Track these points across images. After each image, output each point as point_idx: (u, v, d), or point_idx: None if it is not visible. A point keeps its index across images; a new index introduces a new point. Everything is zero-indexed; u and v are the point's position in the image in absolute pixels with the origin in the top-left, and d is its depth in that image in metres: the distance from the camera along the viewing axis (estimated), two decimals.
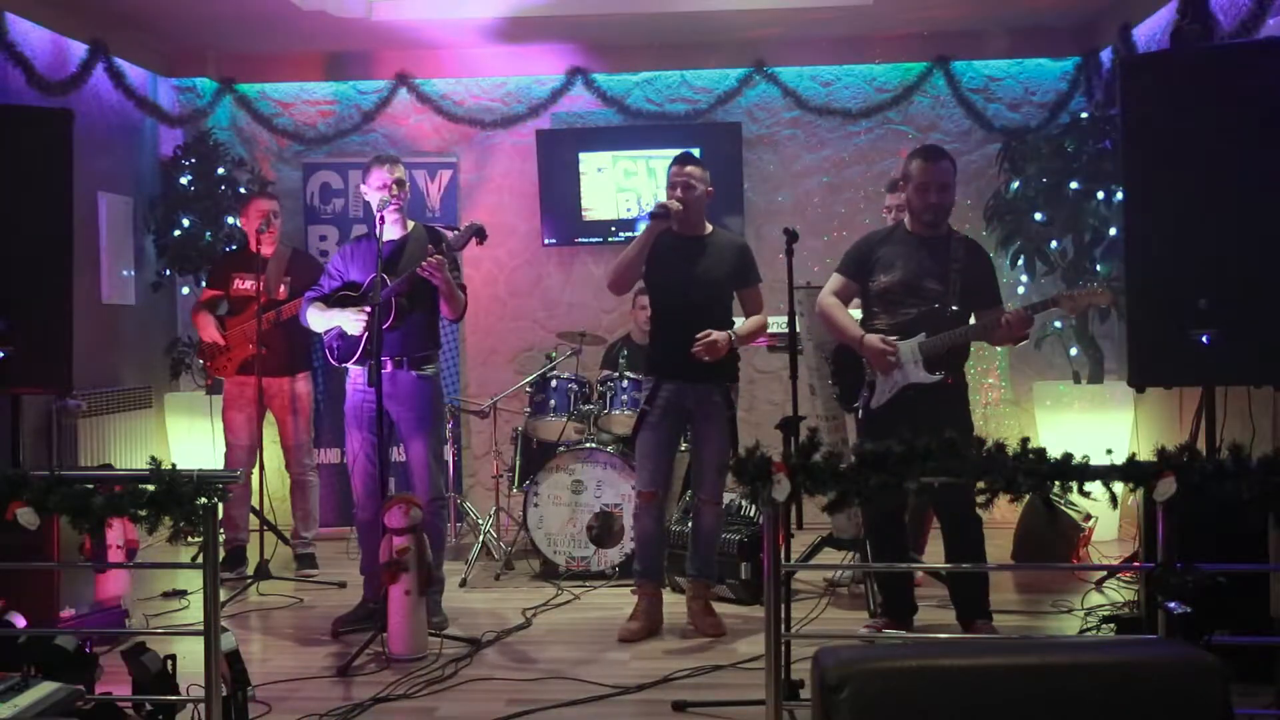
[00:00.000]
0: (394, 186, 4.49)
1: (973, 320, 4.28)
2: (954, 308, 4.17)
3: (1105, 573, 5.06)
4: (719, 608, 4.66)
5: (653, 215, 4.44)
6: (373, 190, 4.54)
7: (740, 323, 4.54)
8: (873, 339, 4.20)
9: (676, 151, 4.68)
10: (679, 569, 4.93)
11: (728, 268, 4.51)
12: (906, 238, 4.29)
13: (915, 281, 4.21)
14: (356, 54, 6.82)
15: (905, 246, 4.26)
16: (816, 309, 4.47)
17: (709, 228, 4.59)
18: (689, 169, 4.49)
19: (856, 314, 4.41)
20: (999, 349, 6.63)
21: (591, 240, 6.78)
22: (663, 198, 4.57)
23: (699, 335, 4.34)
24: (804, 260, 6.23)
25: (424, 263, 4.32)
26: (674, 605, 4.71)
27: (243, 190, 6.47)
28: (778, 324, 4.71)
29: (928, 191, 4.20)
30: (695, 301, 4.44)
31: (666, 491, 4.63)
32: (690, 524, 4.71)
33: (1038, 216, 5.96)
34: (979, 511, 4.04)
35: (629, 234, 6.54)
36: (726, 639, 4.41)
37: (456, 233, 4.50)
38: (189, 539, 2.88)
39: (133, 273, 6.47)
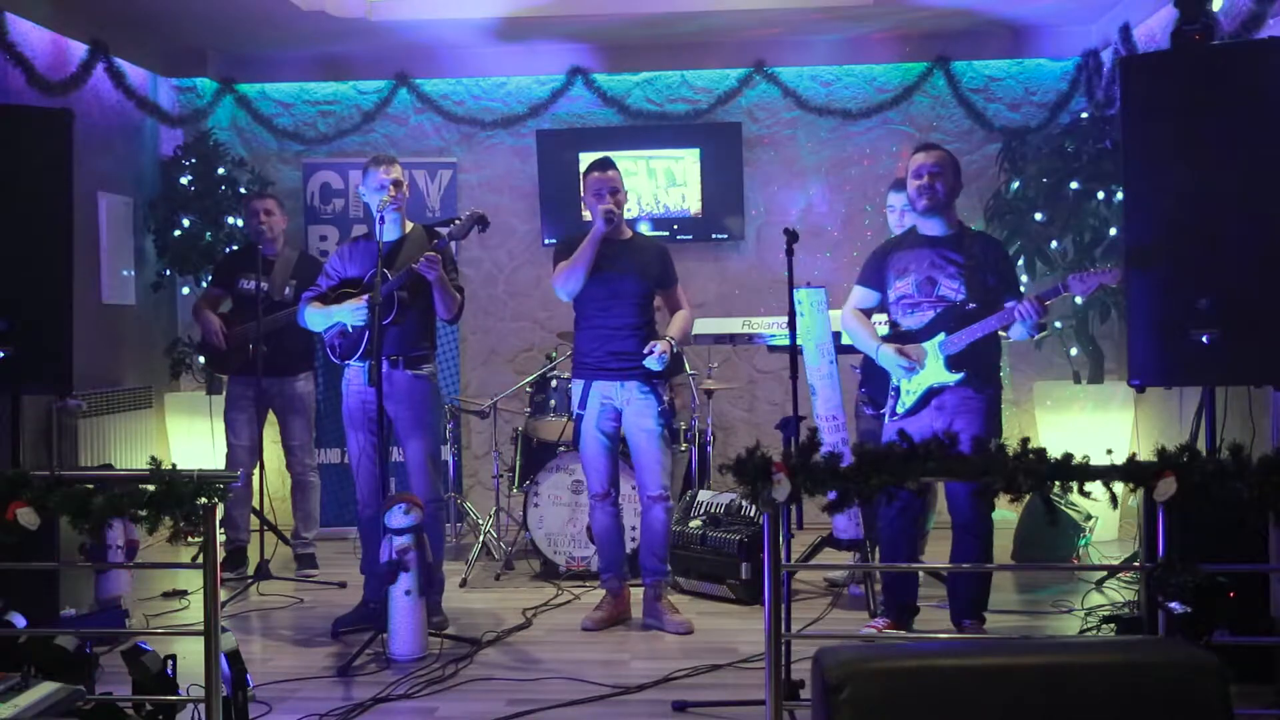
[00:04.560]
0: (392, 187, 4.49)
1: None
2: (971, 305, 4.13)
3: (1105, 573, 5.06)
4: (720, 607, 4.66)
5: (606, 222, 4.46)
6: (371, 191, 4.55)
7: (671, 323, 4.62)
8: (887, 349, 4.21)
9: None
10: (680, 568, 4.93)
11: (654, 270, 4.58)
12: (918, 240, 4.28)
13: (930, 284, 4.20)
14: (356, 54, 6.82)
15: (917, 249, 4.26)
16: (841, 325, 4.47)
17: (629, 232, 4.68)
18: (612, 174, 4.52)
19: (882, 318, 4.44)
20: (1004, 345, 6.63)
21: None
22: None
23: (646, 350, 4.41)
24: (804, 260, 6.23)
25: (422, 257, 4.32)
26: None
27: (243, 190, 6.47)
28: (766, 324, 4.73)
29: (920, 177, 4.19)
30: (621, 303, 4.51)
31: (618, 488, 4.67)
32: (640, 522, 4.70)
33: (1038, 216, 5.96)
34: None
35: None
36: (726, 639, 4.41)
37: (458, 222, 4.50)
38: (189, 539, 2.87)
39: (133, 273, 6.47)
